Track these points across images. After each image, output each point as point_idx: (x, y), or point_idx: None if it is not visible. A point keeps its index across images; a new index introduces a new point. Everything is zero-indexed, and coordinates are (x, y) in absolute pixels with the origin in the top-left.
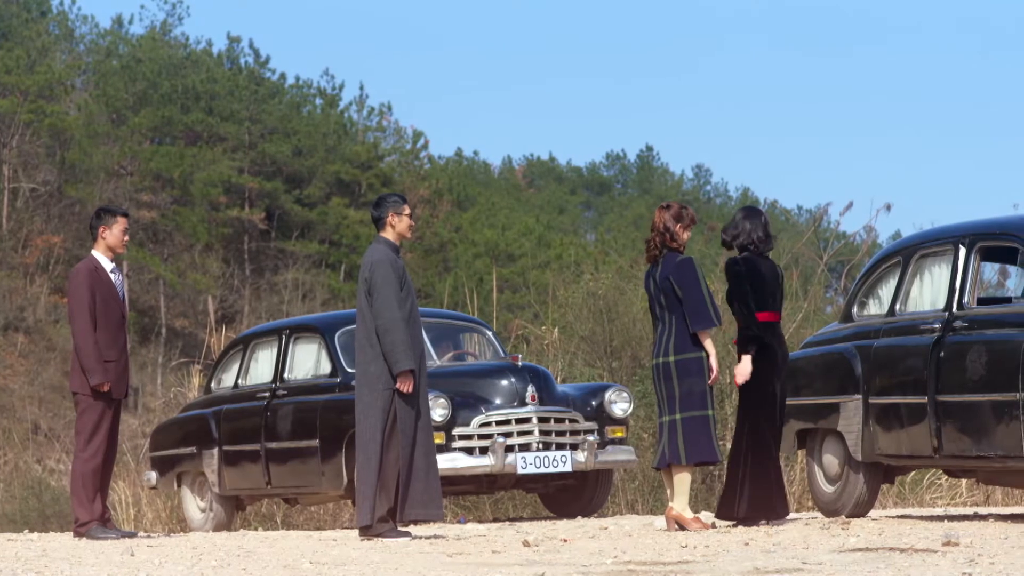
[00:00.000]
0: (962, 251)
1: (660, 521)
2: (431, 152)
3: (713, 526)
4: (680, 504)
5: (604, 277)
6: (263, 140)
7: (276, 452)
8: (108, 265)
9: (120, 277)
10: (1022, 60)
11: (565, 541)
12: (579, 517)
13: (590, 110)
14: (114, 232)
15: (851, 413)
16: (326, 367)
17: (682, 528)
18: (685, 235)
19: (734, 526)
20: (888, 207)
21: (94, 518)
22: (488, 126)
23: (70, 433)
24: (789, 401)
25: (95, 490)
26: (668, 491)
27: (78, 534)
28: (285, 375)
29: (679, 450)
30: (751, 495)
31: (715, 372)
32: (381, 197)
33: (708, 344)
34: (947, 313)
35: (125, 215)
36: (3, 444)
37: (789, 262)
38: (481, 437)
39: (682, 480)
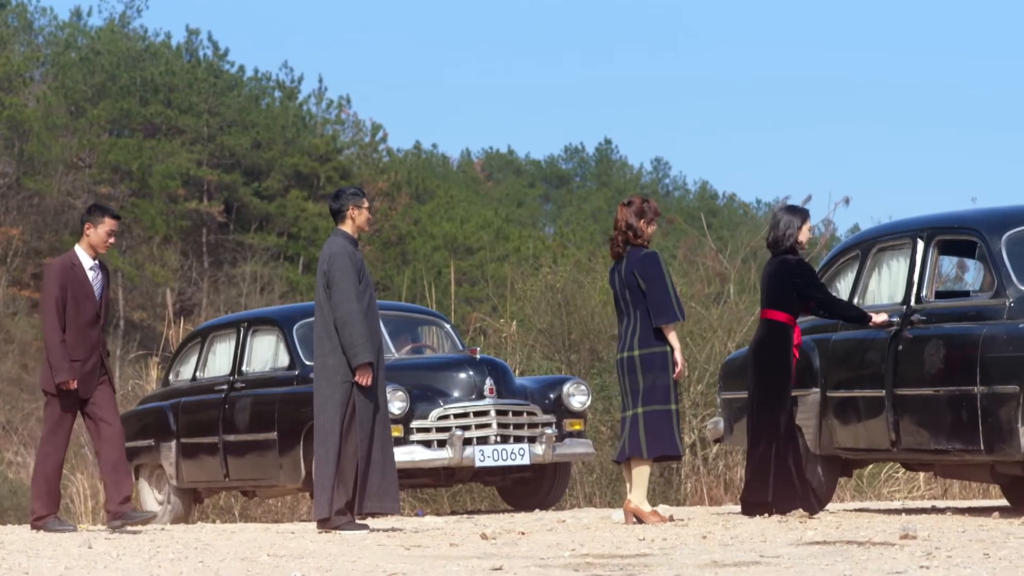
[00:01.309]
0: (920, 245)
1: (618, 514)
2: (390, 145)
3: (671, 519)
4: (638, 497)
5: (562, 270)
6: (222, 133)
7: (234, 445)
8: (87, 262)
9: (99, 275)
10: (979, 53)
11: (523, 534)
12: (537, 510)
13: (549, 103)
14: (99, 232)
15: (809, 407)
16: (284, 360)
17: (640, 521)
18: (649, 229)
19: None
20: (847, 201)
21: (52, 512)
22: (447, 119)
23: (27, 426)
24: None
25: (54, 484)
26: (627, 484)
27: (35, 527)
28: (243, 368)
29: (640, 444)
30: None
31: (680, 366)
32: (340, 190)
33: (673, 338)
34: (905, 307)
35: (115, 217)
36: None
37: (747, 256)
38: (439, 430)
39: (641, 473)
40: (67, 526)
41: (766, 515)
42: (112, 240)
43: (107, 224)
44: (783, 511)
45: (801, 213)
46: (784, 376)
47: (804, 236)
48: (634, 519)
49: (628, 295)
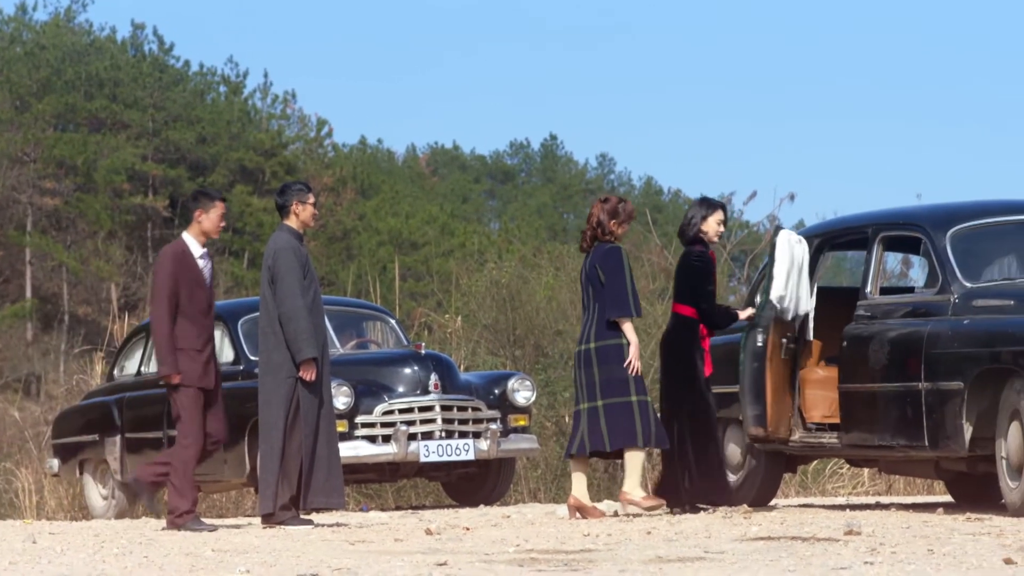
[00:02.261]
0: (866, 241)
1: (562, 510)
2: (335, 140)
3: (615, 515)
4: (630, 483)
5: (507, 266)
6: (167, 127)
7: None
8: (198, 250)
9: (208, 263)
10: (925, 47)
11: (467, 529)
12: (481, 505)
13: (494, 99)
14: (211, 217)
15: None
16: (229, 355)
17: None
18: (620, 230)
19: (681, 512)
20: (792, 197)
21: (192, 508)
22: (392, 114)
23: None
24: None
25: (192, 480)
26: (574, 478)
27: (174, 525)
28: None
29: (603, 437)
30: (698, 481)
31: (633, 361)
32: (286, 185)
33: (629, 332)
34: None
35: (223, 200)
36: None
37: None
38: (384, 425)
39: (631, 458)
40: (204, 525)
41: (680, 510)
42: (223, 224)
43: (218, 208)
44: (696, 503)
45: (710, 205)
46: (691, 370)
47: (711, 228)
48: (619, 509)
49: (591, 289)
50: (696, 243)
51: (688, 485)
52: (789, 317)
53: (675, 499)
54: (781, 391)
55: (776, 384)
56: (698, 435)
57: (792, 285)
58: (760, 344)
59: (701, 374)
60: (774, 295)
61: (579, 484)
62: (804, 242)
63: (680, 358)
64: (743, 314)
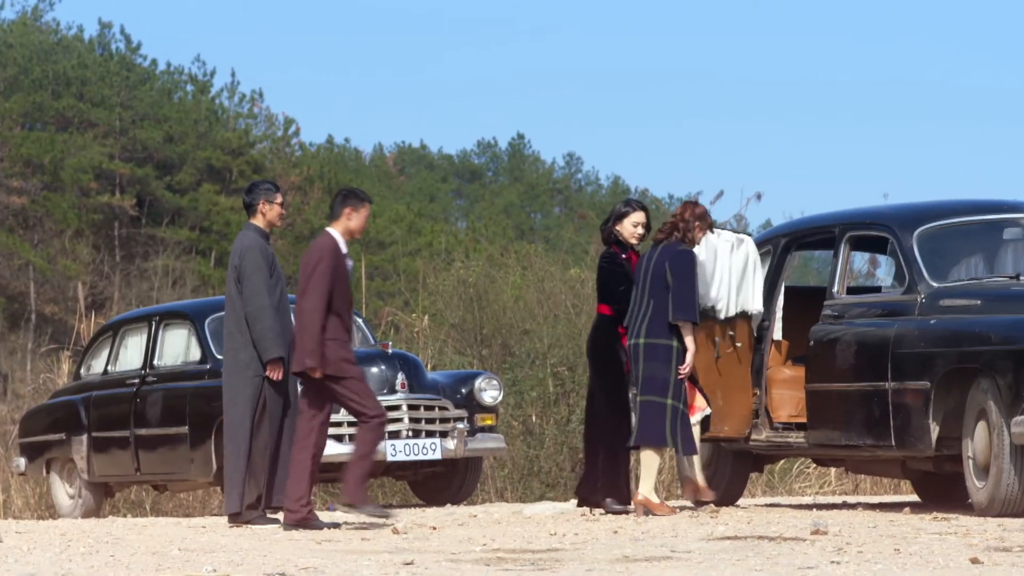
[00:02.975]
0: (833, 241)
1: (529, 509)
2: (302, 139)
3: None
4: (646, 487)
5: (475, 265)
6: (134, 126)
7: (145, 439)
8: (344, 247)
9: (351, 262)
10: (891, 46)
11: (434, 529)
12: (448, 505)
13: (461, 97)
14: (360, 216)
15: None
16: (196, 354)
17: (649, 512)
18: (699, 235)
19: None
20: (759, 196)
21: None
22: (359, 113)
23: None
24: None
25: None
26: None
27: (300, 523)
28: (155, 362)
29: (632, 432)
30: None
31: (687, 365)
32: (254, 184)
33: (688, 338)
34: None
35: (371, 202)
36: None
37: None
38: (351, 424)
39: (647, 461)
40: (328, 522)
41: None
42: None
43: (367, 209)
44: (597, 500)
45: (630, 205)
46: (609, 368)
47: (625, 230)
48: (643, 510)
49: (649, 284)
50: (613, 244)
51: (603, 484)
52: (722, 316)
53: (593, 497)
54: (724, 388)
55: (706, 381)
56: (610, 434)
57: (722, 284)
58: None
59: (620, 373)
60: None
61: (647, 480)
62: (748, 240)
63: (599, 356)
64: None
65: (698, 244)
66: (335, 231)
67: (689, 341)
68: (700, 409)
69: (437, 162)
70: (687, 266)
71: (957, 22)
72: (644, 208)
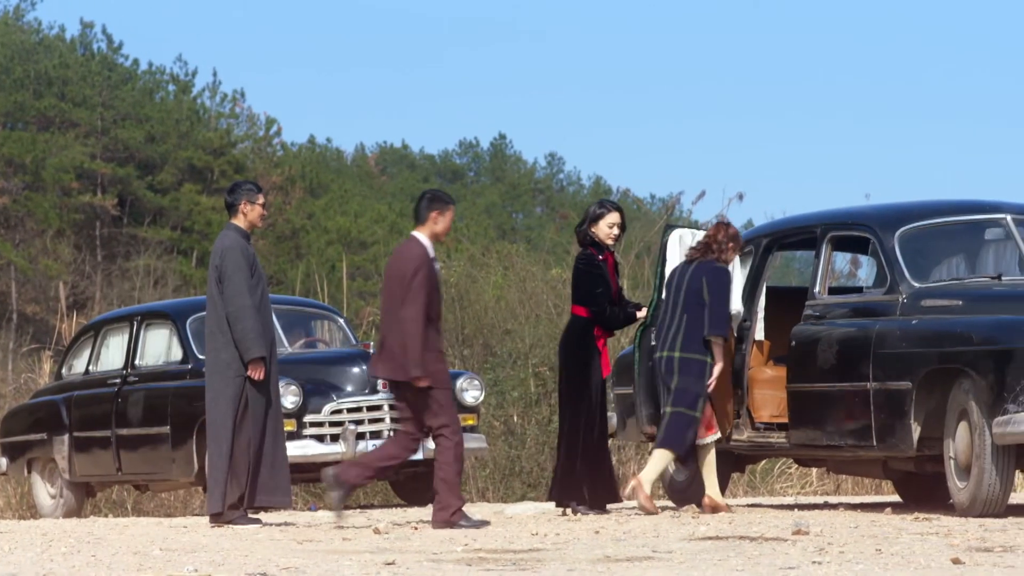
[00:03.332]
0: (814, 241)
1: (511, 509)
2: (284, 139)
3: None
4: (648, 476)
5: (456, 265)
6: (116, 126)
7: (127, 439)
8: (432, 253)
9: (439, 265)
10: (873, 47)
11: (416, 529)
12: (430, 505)
13: (443, 98)
14: (446, 219)
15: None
16: (177, 354)
17: (715, 511)
18: (731, 255)
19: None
20: (740, 196)
21: (462, 503)
22: (341, 113)
23: None
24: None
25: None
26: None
27: (448, 523)
28: (136, 362)
29: (660, 434)
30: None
31: (713, 379)
32: (236, 184)
33: (718, 352)
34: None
35: (455, 203)
36: None
37: (641, 251)
38: (332, 424)
39: (661, 457)
40: (473, 522)
41: (570, 510)
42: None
43: (452, 211)
44: (566, 502)
45: (606, 207)
46: (585, 371)
47: (601, 231)
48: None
49: (683, 299)
50: (589, 245)
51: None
52: None
53: (578, 497)
54: None
55: None
56: (589, 437)
57: None
58: (653, 342)
59: (596, 376)
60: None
61: (711, 483)
62: None
63: (573, 358)
64: (640, 314)
65: (730, 263)
66: (422, 236)
67: (719, 355)
68: (714, 432)
69: (419, 162)
70: (723, 284)
71: (939, 23)
72: (619, 208)
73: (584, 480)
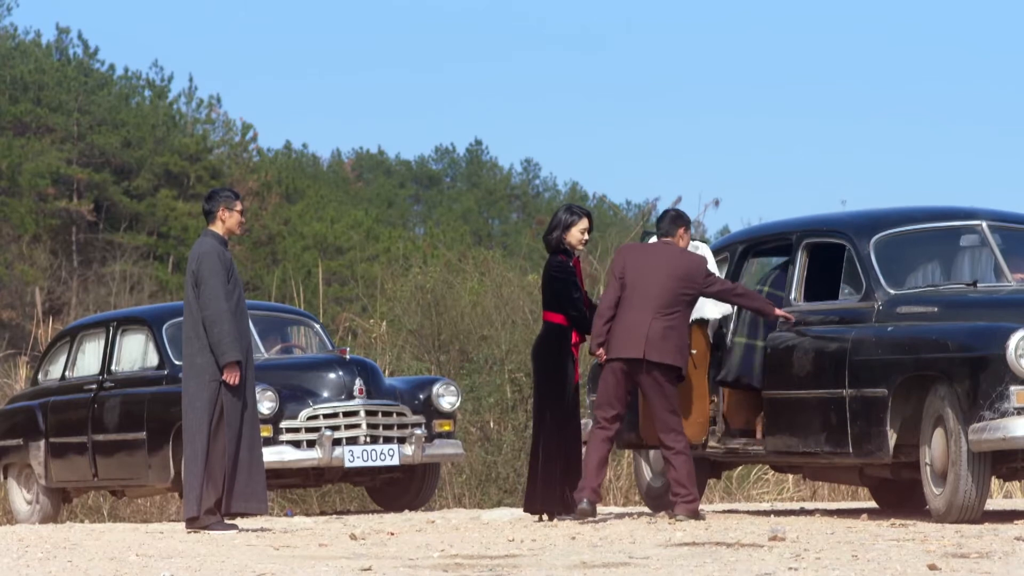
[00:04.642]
0: (790, 247)
1: (487, 515)
2: (260, 144)
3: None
4: None
5: (433, 271)
6: (92, 131)
7: (103, 444)
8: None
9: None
10: (848, 49)
11: (392, 534)
12: (406, 510)
13: (419, 103)
14: (581, 227)
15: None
16: (153, 359)
17: None
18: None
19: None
20: (716, 203)
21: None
22: (317, 119)
23: None
24: None
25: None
26: None
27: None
28: (112, 367)
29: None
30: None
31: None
32: (214, 191)
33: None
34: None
35: (589, 216)
36: None
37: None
38: (308, 430)
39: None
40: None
41: (544, 517)
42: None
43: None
44: (546, 511)
45: (573, 213)
46: (559, 378)
47: (573, 237)
48: None
49: None
50: (559, 252)
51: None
52: None
53: (560, 504)
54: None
55: None
56: (563, 443)
57: None
58: None
59: (570, 381)
60: None
61: None
62: (704, 247)
63: (549, 365)
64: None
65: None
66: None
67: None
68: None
69: (395, 168)
70: None
71: (914, 27)
72: (588, 214)
73: (565, 486)
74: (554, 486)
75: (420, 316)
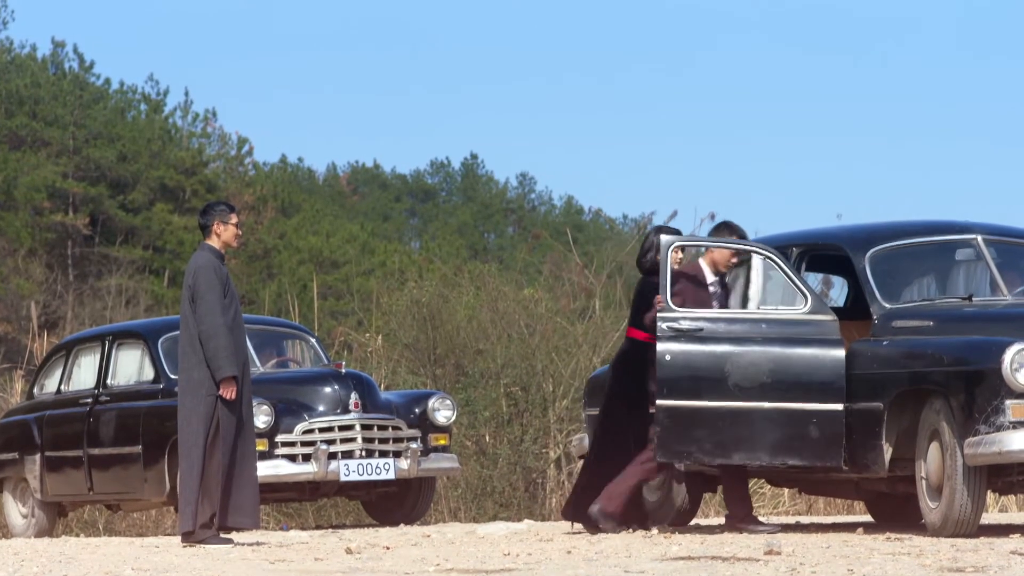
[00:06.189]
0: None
1: (483, 529)
2: (256, 158)
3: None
4: None
5: (428, 284)
6: (87, 145)
7: (98, 458)
8: (711, 277)
9: (719, 291)
10: (843, 64)
11: (388, 548)
12: (402, 524)
13: (415, 118)
14: (724, 253)
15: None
16: (149, 373)
17: None
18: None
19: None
20: (712, 216)
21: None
22: (313, 133)
23: None
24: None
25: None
26: None
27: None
28: (108, 381)
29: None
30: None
31: None
32: (209, 204)
33: None
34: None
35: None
36: None
37: (613, 271)
38: (304, 444)
39: None
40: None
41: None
42: (681, 255)
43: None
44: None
45: (669, 233)
46: (641, 392)
47: (672, 258)
48: None
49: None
50: (654, 272)
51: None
52: None
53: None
54: None
55: None
56: (638, 456)
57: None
58: None
59: (646, 399)
60: None
61: None
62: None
63: (627, 378)
64: None
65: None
66: (702, 262)
67: None
68: None
69: (391, 182)
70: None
71: (907, 42)
72: (679, 233)
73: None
74: (590, 498)
75: (416, 330)
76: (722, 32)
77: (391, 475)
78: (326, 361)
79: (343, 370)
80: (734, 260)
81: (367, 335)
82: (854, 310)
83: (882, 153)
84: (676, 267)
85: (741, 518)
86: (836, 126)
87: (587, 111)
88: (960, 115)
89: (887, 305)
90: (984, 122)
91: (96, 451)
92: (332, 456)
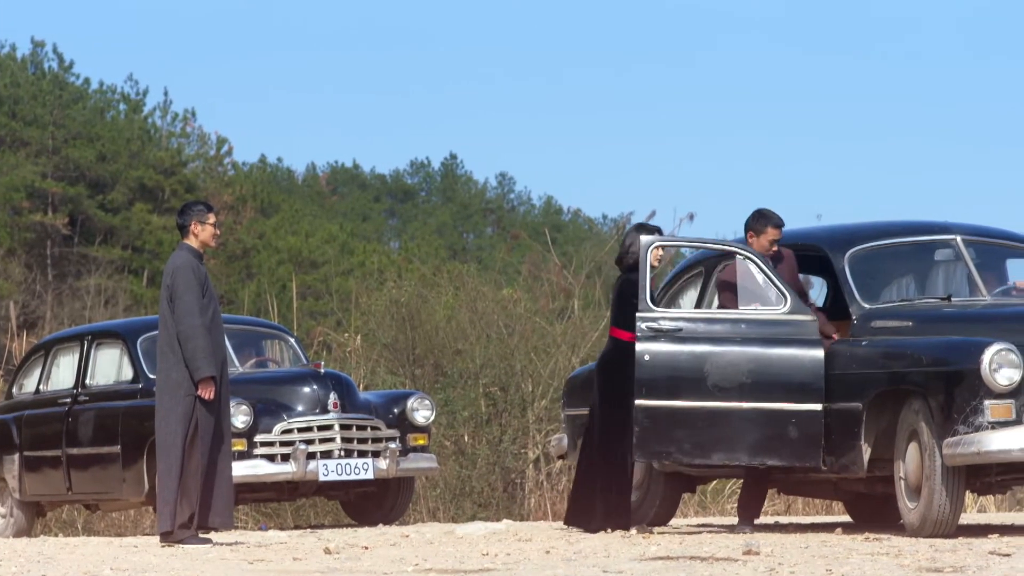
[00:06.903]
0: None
1: (461, 529)
2: (235, 158)
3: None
4: None
5: (407, 285)
6: (67, 145)
7: (77, 458)
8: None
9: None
10: (821, 64)
11: (366, 548)
12: (380, 524)
13: (394, 117)
14: (766, 238)
15: None
16: (128, 373)
17: None
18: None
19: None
20: (691, 216)
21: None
22: (292, 132)
23: None
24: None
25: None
26: None
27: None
28: (87, 381)
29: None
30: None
31: None
32: (187, 205)
33: None
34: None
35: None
36: None
37: (592, 271)
38: (283, 444)
39: None
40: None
41: (594, 530)
42: (775, 248)
43: (771, 234)
44: (613, 526)
45: (649, 231)
46: (624, 392)
47: (653, 256)
48: None
49: None
50: (634, 270)
51: (601, 507)
52: None
53: (586, 522)
54: None
55: None
56: (621, 456)
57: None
58: None
59: (632, 397)
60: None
61: None
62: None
63: (615, 380)
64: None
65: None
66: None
67: None
68: None
69: (370, 182)
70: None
71: (887, 42)
72: (660, 231)
73: (596, 501)
74: (589, 500)
75: (395, 330)
76: (700, 33)
77: (370, 475)
78: (305, 361)
79: (322, 370)
80: (774, 249)
81: (346, 335)
82: (833, 310)
83: (862, 154)
84: (720, 275)
85: (741, 516)
86: (815, 126)
87: (566, 112)
88: (940, 116)
89: (866, 305)
90: (964, 124)
91: (75, 451)
92: (311, 456)
